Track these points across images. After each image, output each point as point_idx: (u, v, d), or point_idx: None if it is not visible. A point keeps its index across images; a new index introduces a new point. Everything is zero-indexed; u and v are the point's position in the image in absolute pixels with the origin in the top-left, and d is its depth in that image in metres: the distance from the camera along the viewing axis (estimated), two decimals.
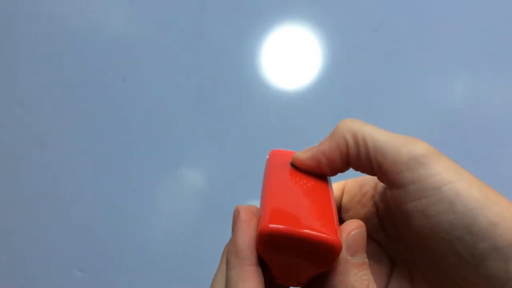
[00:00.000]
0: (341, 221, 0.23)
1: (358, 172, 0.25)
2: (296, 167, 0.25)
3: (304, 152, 0.25)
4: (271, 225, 0.19)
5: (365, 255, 0.21)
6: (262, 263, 0.21)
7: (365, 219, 0.26)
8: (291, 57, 0.60)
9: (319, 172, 0.25)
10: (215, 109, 0.61)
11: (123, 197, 0.62)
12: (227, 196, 0.60)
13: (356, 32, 0.59)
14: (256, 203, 0.24)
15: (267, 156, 0.27)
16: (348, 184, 0.28)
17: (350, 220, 0.21)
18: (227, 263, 0.21)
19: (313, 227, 0.19)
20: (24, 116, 0.63)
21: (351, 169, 0.25)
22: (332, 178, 0.26)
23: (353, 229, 0.21)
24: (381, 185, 0.26)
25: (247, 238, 0.21)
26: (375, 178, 0.24)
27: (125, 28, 0.62)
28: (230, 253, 0.21)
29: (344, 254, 0.20)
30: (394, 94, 0.58)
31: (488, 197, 0.20)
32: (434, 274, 0.23)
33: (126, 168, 0.62)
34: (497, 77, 0.57)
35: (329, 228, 0.20)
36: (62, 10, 0.63)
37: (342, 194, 0.28)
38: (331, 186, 0.25)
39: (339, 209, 0.28)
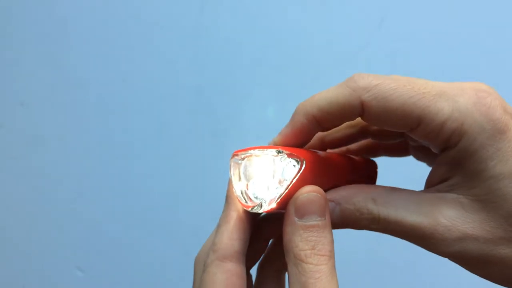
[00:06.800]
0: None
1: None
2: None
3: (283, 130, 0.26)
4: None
5: (319, 218, 0.21)
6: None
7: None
8: (291, 58, 0.60)
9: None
10: (214, 110, 0.61)
11: (123, 197, 0.62)
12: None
13: (357, 33, 0.59)
14: None
15: (231, 158, 0.26)
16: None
17: (307, 186, 0.22)
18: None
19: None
20: (24, 116, 0.63)
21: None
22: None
23: (304, 192, 0.22)
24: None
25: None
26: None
27: (125, 28, 0.62)
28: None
29: (292, 216, 0.21)
30: None
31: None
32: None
33: (125, 168, 0.62)
34: (499, 77, 0.56)
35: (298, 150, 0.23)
36: (62, 10, 0.63)
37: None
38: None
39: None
